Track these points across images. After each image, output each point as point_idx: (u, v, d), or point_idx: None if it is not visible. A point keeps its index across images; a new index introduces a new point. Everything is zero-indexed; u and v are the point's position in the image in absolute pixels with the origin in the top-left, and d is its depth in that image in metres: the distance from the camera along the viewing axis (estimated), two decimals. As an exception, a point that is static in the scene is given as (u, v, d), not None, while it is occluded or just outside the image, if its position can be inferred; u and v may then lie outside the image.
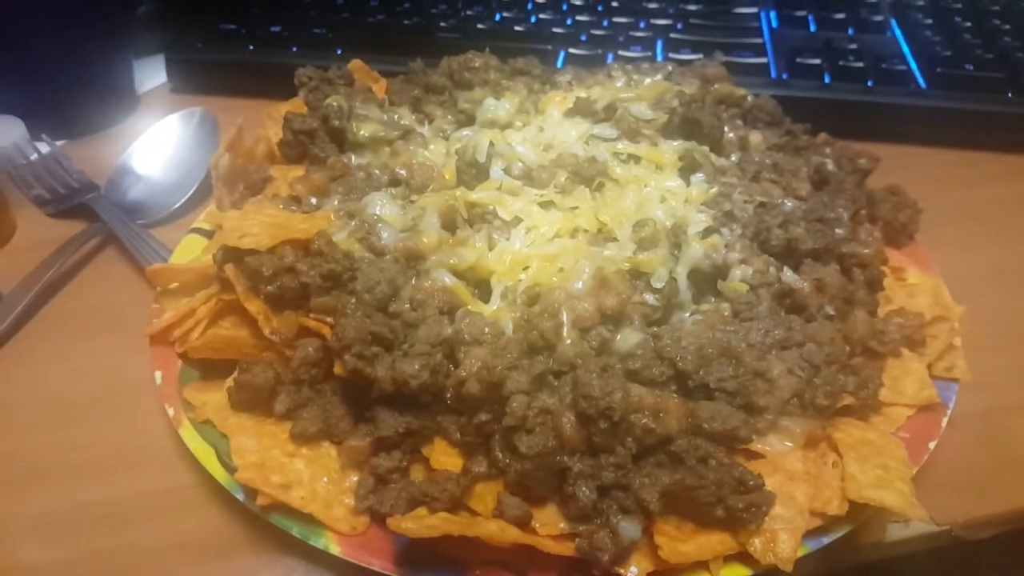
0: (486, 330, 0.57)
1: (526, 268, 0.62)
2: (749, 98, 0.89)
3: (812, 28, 1.18)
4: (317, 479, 0.57)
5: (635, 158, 0.71)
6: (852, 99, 1.04)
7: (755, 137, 0.84)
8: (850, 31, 1.17)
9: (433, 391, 0.56)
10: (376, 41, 1.14)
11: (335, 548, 0.55)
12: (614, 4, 1.22)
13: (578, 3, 1.23)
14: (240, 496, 0.58)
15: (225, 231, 0.67)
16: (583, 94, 0.79)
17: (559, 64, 1.10)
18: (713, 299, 0.66)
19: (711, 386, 0.57)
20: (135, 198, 0.92)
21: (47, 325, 0.80)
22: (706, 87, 0.87)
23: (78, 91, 1.07)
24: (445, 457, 0.57)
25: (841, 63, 1.07)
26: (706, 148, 0.74)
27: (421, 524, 0.50)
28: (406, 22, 1.18)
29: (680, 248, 0.66)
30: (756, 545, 0.53)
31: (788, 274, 0.64)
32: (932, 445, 0.61)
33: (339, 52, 1.14)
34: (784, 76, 1.07)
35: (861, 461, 0.57)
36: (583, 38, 1.15)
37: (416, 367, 0.55)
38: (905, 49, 1.13)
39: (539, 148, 0.73)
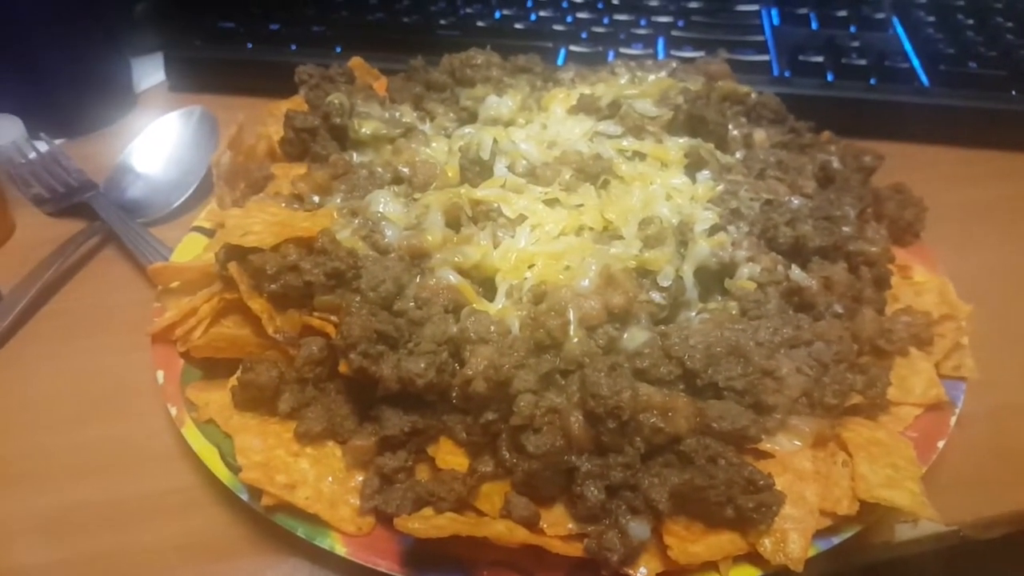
0: (492, 328, 0.57)
1: (531, 266, 0.62)
2: (753, 95, 0.88)
3: (814, 26, 1.18)
4: (322, 479, 0.57)
5: (640, 155, 0.71)
6: (855, 97, 1.03)
7: (759, 134, 0.84)
8: (852, 29, 1.17)
9: (439, 390, 0.56)
10: (375, 39, 1.14)
11: (341, 548, 0.54)
12: (615, 1, 1.21)
13: (578, 0, 1.22)
14: (244, 496, 0.57)
15: (227, 229, 0.66)
16: (587, 91, 0.79)
17: (560, 61, 1.09)
18: (720, 297, 0.65)
19: (720, 385, 0.57)
20: (134, 197, 0.91)
21: (47, 325, 0.79)
22: (710, 83, 0.87)
23: (76, 90, 1.06)
24: (451, 457, 0.56)
25: (844, 61, 1.06)
26: (711, 145, 0.74)
27: (428, 524, 0.50)
28: (405, 20, 1.18)
29: (686, 246, 0.65)
30: (766, 545, 0.53)
31: (796, 272, 0.63)
32: (941, 444, 0.61)
33: (338, 50, 1.13)
34: (786, 74, 1.07)
35: (871, 460, 0.57)
36: (584, 36, 1.14)
37: (422, 366, 0.55)
38: (908, 47, 1.13)
39: (543, 145, 0.73)
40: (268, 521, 0.57)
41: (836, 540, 0.55)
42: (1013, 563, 0.75)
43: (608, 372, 0.53)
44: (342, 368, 0.57)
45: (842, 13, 1.18)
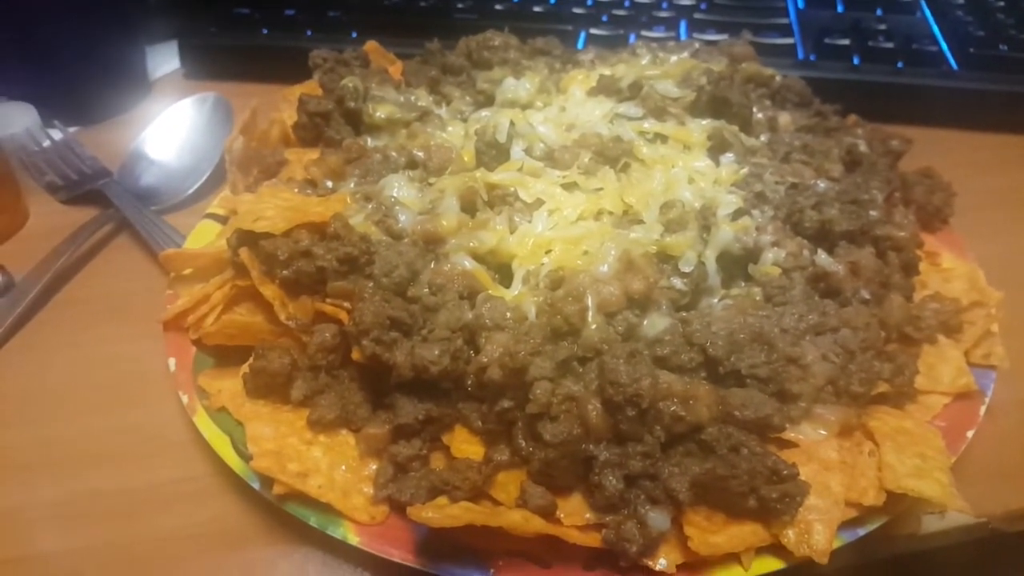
0: (508, 315, 0.56)
1: (549, 251, 0.60)
2: (777, 78, 0.86)
3: (839, 8, 1.15)
4: (335, 467, 0.56)
5: (662, 137, 0.69)
6: (882, 81, 1.01)
7: (784, 118, 0.82)
8: (879, 11, 1.14)
9: (453, 377, 0.55)
10: (391, 24, 1.13)
11: (354, 538, 0.53)
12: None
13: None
14: (256, 485, 0.57)
15: (240, 215, 0.65)
16: (607, 72, 0.77)
17: (580, 45, 1.07)
18: (744, 284, 0.64)
19: (743, 372, 0.55)
20: (148, 184, 0.91)
21: (60, 313, 0.78)
22: (734, 65, 0.85)
23: (91, 77, 1.05)
24: (466, 445, 0.55)
25: (870, 44, 1.04)
26: (735, 127, 0.72)
27: (442, 513, 0.49)
28: (422, 3, 1.16)
29: (709, 231, 0.64)
30: (790, 536, 0.51)
31: (822, 257, 0.61)
32: (970, 434, 0.59)
33: (354, 35, 1.12)
34: (812, 57, 1.05)
35: (898, 450, 0.55)
36: (604, 18, 1.12)
37: (436, 353, 0.53)
38: (935, 30, 1.10)
39: (561, 128, 0.71)
40: (280, 510, 0.56)
41: (862, 531, 0.54)
42: (1045, 557, 0.73)
43: (627, 359, 0.51)
44: (355, 355, 0.56)
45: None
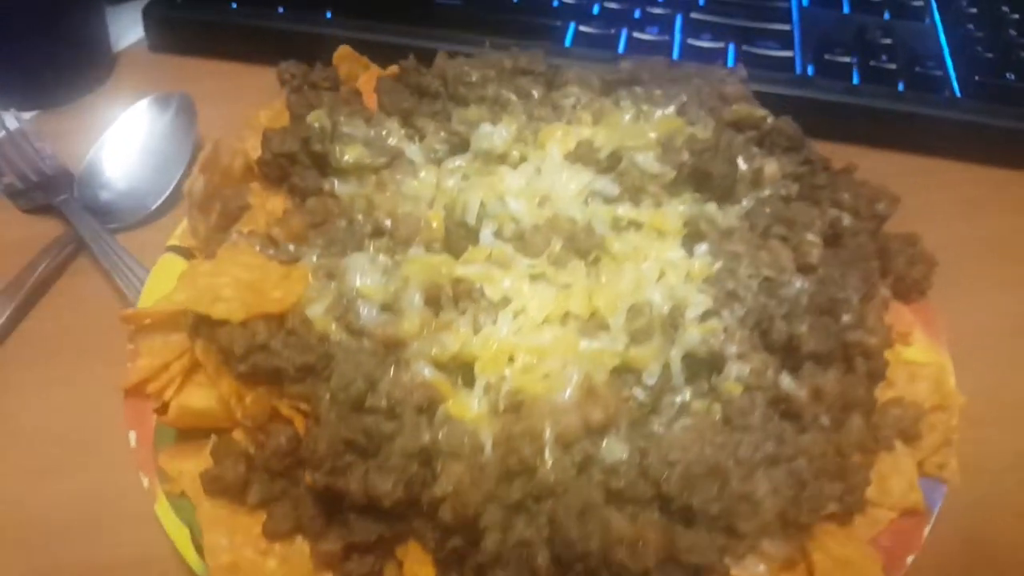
0: (465, 440, 0.55)
1: (511, 359, 0.59)
2: (769, 119, 0.82)
3: (846, 9, 1.09)
4: (289, 580, 0.57)
5: (636, 224, 0.67)
6: (880, 107, 0.96)
7: (771, 167, 0.78)
8: (886, 15, 1.08)
9: (408, 503, 0.55)
10: (369, 5, 1.06)
11: (306, 654, 0.55)
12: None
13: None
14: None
15: (196, 293, 0.63)
16: (587, 132, 0.73)
17: (567, 42, 1.02)
18: (707, 386, 0.63)
19: (694, 507, 0.55)
20: (108, 200, 0.87)
21: (17, 352, 0.77)
22: (720, 126, 0.80)
23: (49, 53, 0.99)
24: (419, 566, 0.56)
25: (872, 63, 0.98)
26: (713, 207, 0.69)
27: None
28: (402, -18, 1.09)
29: (676, 329, 0.63)
30: None
31: (786, 380, 0.61)
32: (910, 560, 0.61)
33: (328, 16, 1.05)
34: (809, 71, 1.00)
35: (839, 585, 0.57)
36: (595, 10, 1.05)
37: (390, 485, 0.53)
38: (943, 42, 1.04)
39: (534, 200, 0.68)
40: (237, 612, 0.57)
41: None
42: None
43: (579, 516, 0.51)
44: (307, 481, 0.56)
45: (879, -3, 1.08)
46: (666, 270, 0.64)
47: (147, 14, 1.08)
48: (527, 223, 0.66)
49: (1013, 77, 0.97)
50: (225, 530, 0.58)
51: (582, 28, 1.02)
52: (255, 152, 0.79)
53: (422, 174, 0.75)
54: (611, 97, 0.78)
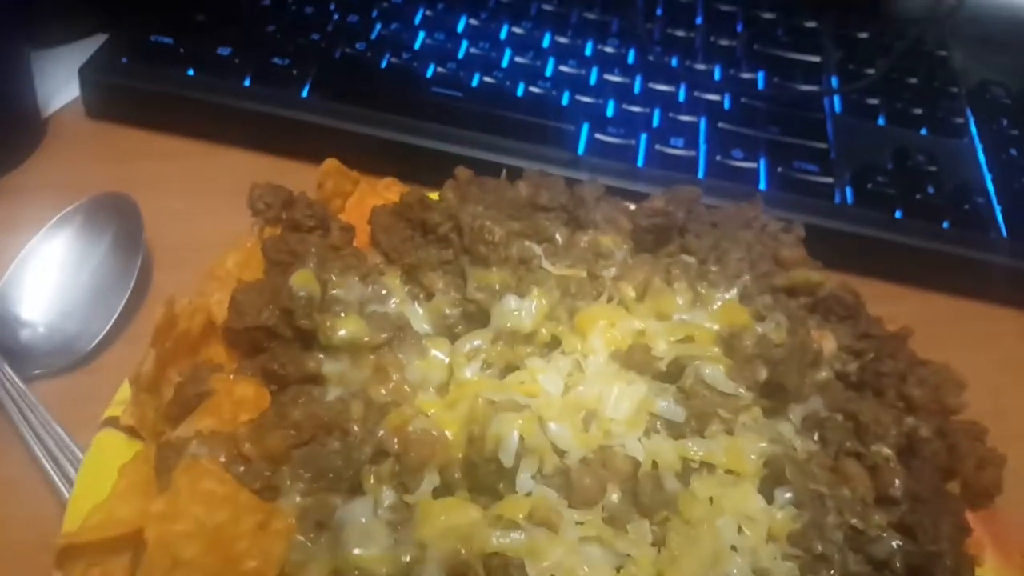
0: None
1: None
2: (827, 285, 0.72)
3: (880, 121, 0.99)
4: None
5: (709, 466, 0.55)
6: (924, 246, 0.87)
7: (829, 345, 0.69)
8: (923, 131, 0.99)
9: None
10: (351, 83, 0.91)
11: None
12: (650, 59, 0.99)
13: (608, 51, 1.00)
14: None
15: (152, 545, 0.49)
16: (636, 322, 0.61)
17: (580, 150, 0.89)
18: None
19: None
20: (29, 341, 0.70)
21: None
22: (777, 271, 0.71)
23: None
24: None
25: (918, 196, 0.89)
26: (789, 429, 0.59)
27: None
28: (392, 59, 0.94)
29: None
30: None
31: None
32: None
33: (304, 95, 0.90)
34: (848, 198, 0.90)
35: None
36: (610, 114, 0.93)
37: None
38: (982, 162, 0.96)
39: (578, 417, 0.56)
40: None
41: None
42: None
43: None
44: None
45: (916, 111, 0.99)
46: (744, 526, 0.53)
47: (83, 76, 0.90)
48: (574, 456, 0.54)
49: (1062, 219, 0.89)
50: None
51: (598, 136, 0.89)
52: (220, 310, 0.64)
53: (431, 352, 0.62)
54: (663, 266, 0.66)
